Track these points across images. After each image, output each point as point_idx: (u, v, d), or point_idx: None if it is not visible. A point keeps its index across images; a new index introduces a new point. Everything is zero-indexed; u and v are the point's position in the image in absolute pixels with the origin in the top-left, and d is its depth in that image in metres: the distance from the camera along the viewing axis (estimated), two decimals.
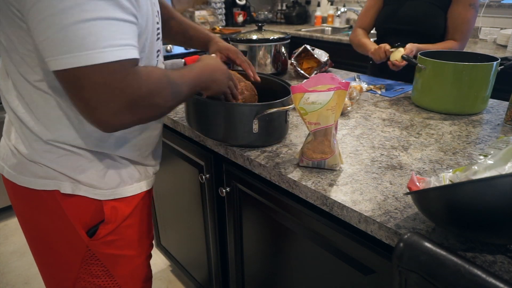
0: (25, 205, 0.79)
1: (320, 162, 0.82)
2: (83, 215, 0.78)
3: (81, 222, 0.78)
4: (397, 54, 1.37)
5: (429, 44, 1.46)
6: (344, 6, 3.37)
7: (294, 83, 0.88)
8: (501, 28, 2.50)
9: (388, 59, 1.42)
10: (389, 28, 1.63)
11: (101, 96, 0.57)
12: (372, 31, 1.76)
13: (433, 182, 0.65)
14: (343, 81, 0.79)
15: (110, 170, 0.79)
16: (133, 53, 0.59)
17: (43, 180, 0.74)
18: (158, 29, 0.75)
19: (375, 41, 1.69)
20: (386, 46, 1.43)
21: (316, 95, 0.78)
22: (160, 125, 0.89)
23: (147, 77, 0.61)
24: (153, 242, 1.00)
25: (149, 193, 0.91)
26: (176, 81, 0.68)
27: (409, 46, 1.37)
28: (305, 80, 0.84)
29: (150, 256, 0.98)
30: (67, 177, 0.74)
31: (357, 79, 1.54)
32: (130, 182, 0.83)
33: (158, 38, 0.77)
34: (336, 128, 0.82)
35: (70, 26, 0.53)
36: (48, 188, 0.74)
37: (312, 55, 1.59)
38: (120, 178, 0.80)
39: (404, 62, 1.36)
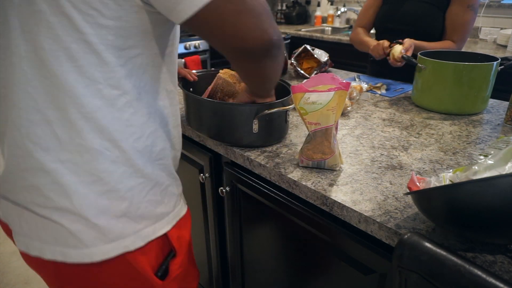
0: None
1: (320, 162, 0.82)
2: (151, 259, 0.66)
3: (151, 267, 0.66)
4: (397, 50, 1.37)
5: (426, 42, 1.46)
6: (344, 6, 3.37)
7: (294, 83, 0.88)
8: (501, 28, 2.50)
9: (388, 55, 1.42)
10: (388, 28, 1.63)
11: (255, 9, 0.52)
12: (372, 31, 1.76)
13: (433, 182, 0.65)
14: (344, 81, 0.79)
15: (167, 188, 0.69)
16: None
17: (108, 244, 0.60)
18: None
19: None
20: (385, 43, 1.43)
21: (317, 95, 0.77)
22: None
23: None
24: None
25: None
26: None
27: (407, 41, 1.38)
28: (305, 80, 0.84)
29: None
30: (133, 222, 0.62)
31: (357, 79, 1.54)
32: (179, 198, 0.75)
33: None
34: (336, 128, 0.82)
35: None
36: (114, 254, 0.61)
37: (312, 55, 1.59)
38: (175, 196, 0.72)
39: (403, 63, 1.36)
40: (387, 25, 1.63)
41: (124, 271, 0.63)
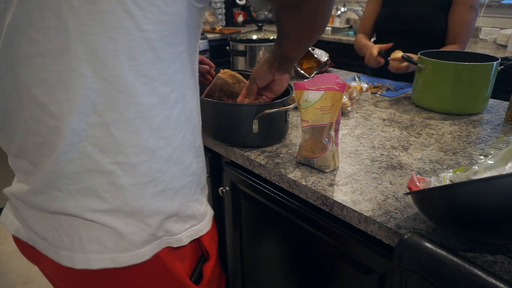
0: None
1: (310, 160, 0.82)
2: (185, 264, 0.66)
3: (185, 272, 0.66)
4: (397, 55, 1.37)
5: (427, 45, 1.45)
6: (344, 6, 3.37)
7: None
8: (501, 28, 2.50)
9: (385, 60, 1.44)
10: (389, 29, 1.63)
11: None
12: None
13: (433, 182, 0.65)
14: (341, 82, 0.78)
15: (205, 187, 0.70)
16: None
17: (141, 248, 0.59)
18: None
19: (374, 42, 1.70)
20: (374, 52, 1.45)
21: (310, 93, 0.79)
22: None
23: None
24: None
25: None
26: None
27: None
28: (309, 78, 0.85)
29: None
30: (183, 222, 0.63)
31: (357, 79, 1.54)
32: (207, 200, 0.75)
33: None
34: (336, 130, 0.81)
35: None
36: (148, 256, 0.60)
37: (312, 55, 1.59)
38: (207, 195, 0.72)
39: (403, 66, 1.36)
40: (388, 26, 1.63)
41: (159, 272, 0.63)
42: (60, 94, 0.52)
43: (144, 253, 0.60)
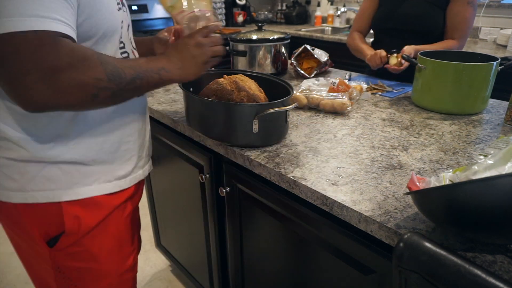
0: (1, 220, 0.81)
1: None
2: (42, 224, 0.75)
3: (41, 231, 0.75)
4: (394, 60, 1.41)
5: (427, 44, 1.46)
6: (344, 6, 3.37)
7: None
8: (501, 28, 2.50)
9: (386, 63, 1.45)
10: (387, 28, 1.63)
11: (13, 68, 0.54)
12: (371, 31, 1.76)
13: (433, 182, 0.65)
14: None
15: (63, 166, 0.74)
16: (55, 27, 0.56)
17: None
18: (122, 22, 0.75)
19: (372, 42, 1.71)
20: (382, 52, 1.45)
21: None
22: (137, 120, 0.84)
23: (69, 51, 0.58)
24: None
25: (131, 201, 0.86)
26: (113, 63, 0.63)
27: (406, 49, 1.37)
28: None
29: (130, 274, 0.89)
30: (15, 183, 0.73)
31: (347, 77, 1.53)
32: (90, 182, 0.76)
33: (122, 27, 0.75)
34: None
35: None
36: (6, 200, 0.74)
37: (312, 55, 1.59)
38: (80, 174, 0.75)
39: (403, 66, 1.39)
40: (386, 26, 1.62)
41: (16, 219, 0.76)
42: None
43: (13, 196, 0.73)
